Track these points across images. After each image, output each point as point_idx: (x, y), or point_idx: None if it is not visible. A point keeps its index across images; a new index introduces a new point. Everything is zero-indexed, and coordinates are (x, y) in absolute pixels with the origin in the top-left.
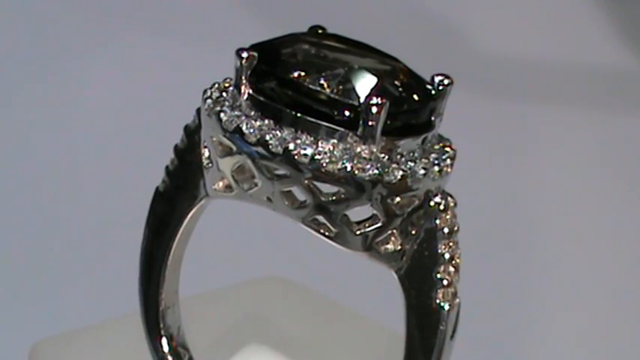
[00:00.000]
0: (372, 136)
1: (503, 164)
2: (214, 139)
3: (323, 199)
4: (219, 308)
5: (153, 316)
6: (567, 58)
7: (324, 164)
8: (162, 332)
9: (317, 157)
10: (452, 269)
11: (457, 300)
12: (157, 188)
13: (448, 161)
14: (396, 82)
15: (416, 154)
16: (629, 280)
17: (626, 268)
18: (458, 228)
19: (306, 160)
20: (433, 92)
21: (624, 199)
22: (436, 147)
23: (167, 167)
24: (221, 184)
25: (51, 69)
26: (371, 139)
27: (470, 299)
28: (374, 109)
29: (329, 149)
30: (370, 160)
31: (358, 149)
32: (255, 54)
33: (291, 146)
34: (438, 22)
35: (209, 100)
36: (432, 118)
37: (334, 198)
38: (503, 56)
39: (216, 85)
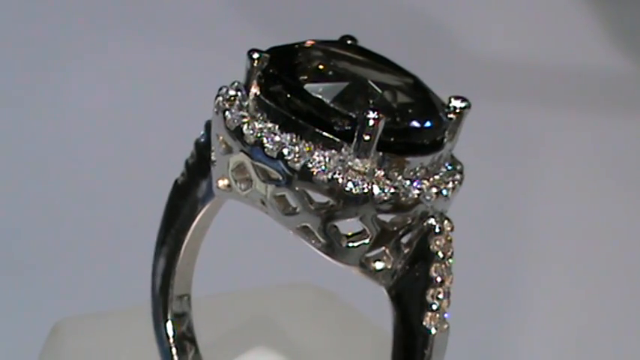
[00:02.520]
0: (366, 150)
1: (495, 165)
2: (220, 136)
3: (312, 207)
4: (245, 309)
5: (160, 305)
6: (559, 60)
7: (315, 173)
8: (168, 322)
9: (309, 165)
10: (442, 294)
11: (446, 325)
12: (176, 181)
13: (450, 185)
14: (405, 100)
15: (417, 174)
16: (629, 284)
17: (622, 269)
18: (452, 253)
19: (298, 167)
20: (448, 114)
21: (617, 199)
22: (443, 169)
23: (187, 161)
24: (223, 182)
25: (46, 73)
26: (365, 153)
27: (468, 302)
28: (369, 123)
29: (323, 159)
30: (364, 174)
31: (352, 162)
32: (267, 56)
33: (286, 151)
34: (431, 23)
35: (220, 98)
36: (444, 140)
37: (323, 208)
38: (495, 58)
39: (235, 84)
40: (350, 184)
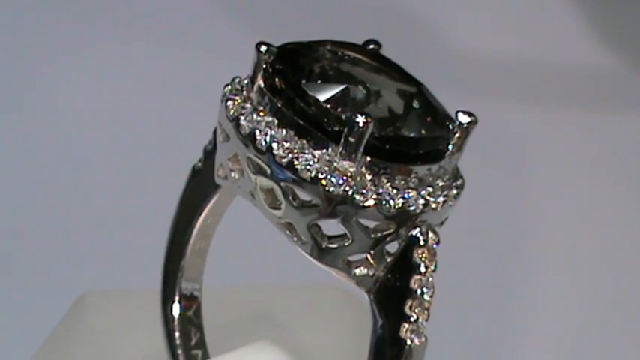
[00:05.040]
0: (352, 153)
1: (484, 163)
2: (221, 124)
3: (296, 204)
4: (263, 304)
5: (168, 285)
6: (546, 58)
7: (299, 170)
8: (175, 304)
9: (295, 162)
10: (421, 306)
11: (423, 339)
12: (193, 167)
13: (441, 199)
14: (404, 109)
15: (409, 183)
16: (622, 282)
17: (614, 265)
18: (435, 266)
19: (284, 163)
20: (453, 127)
21: (608, 197)
22: (440, 182)
23: (205, 148)
24: (221, 170)
25: (39, 72)
26: (350, 156)
27: (463, 301)
28: (357, 126)
29: (311, 157)
30: (348, 176)
31: (338, 164)
32: (275, 50)
33: (275, 146)
34: (419, 22)
35: (228, 87)
36: (444, 153)
37: (306, 206)
38: (482, 56)
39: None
40: (331, 185)
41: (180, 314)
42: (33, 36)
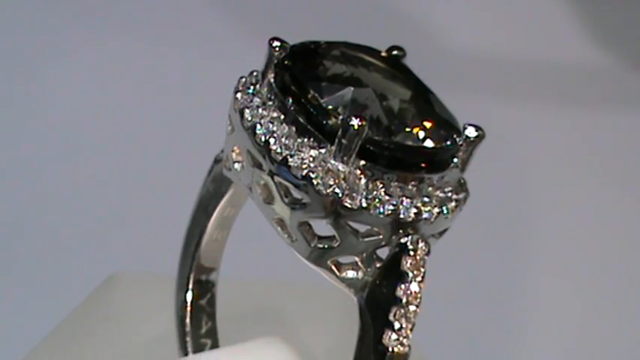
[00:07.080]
0: (345, 155)
1: (479, 163)
2: (230, 116)
3: (287, 201)
4: (281, 301)
5: (184, 272)
6: (539, 56)
7: (292, 167)
8: (188, 292)
9: (289, 158)
10: (406, 315)
11: (406, 348)
12: (215, 157)
13: (435, 211)
14: (408, 117)
15: (405, 191)
16: (621, 281)
17: (606, 263)
18: (423, 276)
19: (279, 159)
20: (456, 139)
21: (601, 195)
22: (439, 193)
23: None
24: (227, 162)
25: (33, 72)
26: (343, 158)
27: (462, 301)
28: (351, 129)
29: (307, 155)
30: (340, 178)
31: (330, 164)
32: (287, 46)
33: (272, 141)
34: (411, 19)
35: (243, 80)
36: (447, 164)
37: (297, 203)
38: (475, 54)
39: None
40: (321, 185)
41: (192, 301)
42: (32, 35)
